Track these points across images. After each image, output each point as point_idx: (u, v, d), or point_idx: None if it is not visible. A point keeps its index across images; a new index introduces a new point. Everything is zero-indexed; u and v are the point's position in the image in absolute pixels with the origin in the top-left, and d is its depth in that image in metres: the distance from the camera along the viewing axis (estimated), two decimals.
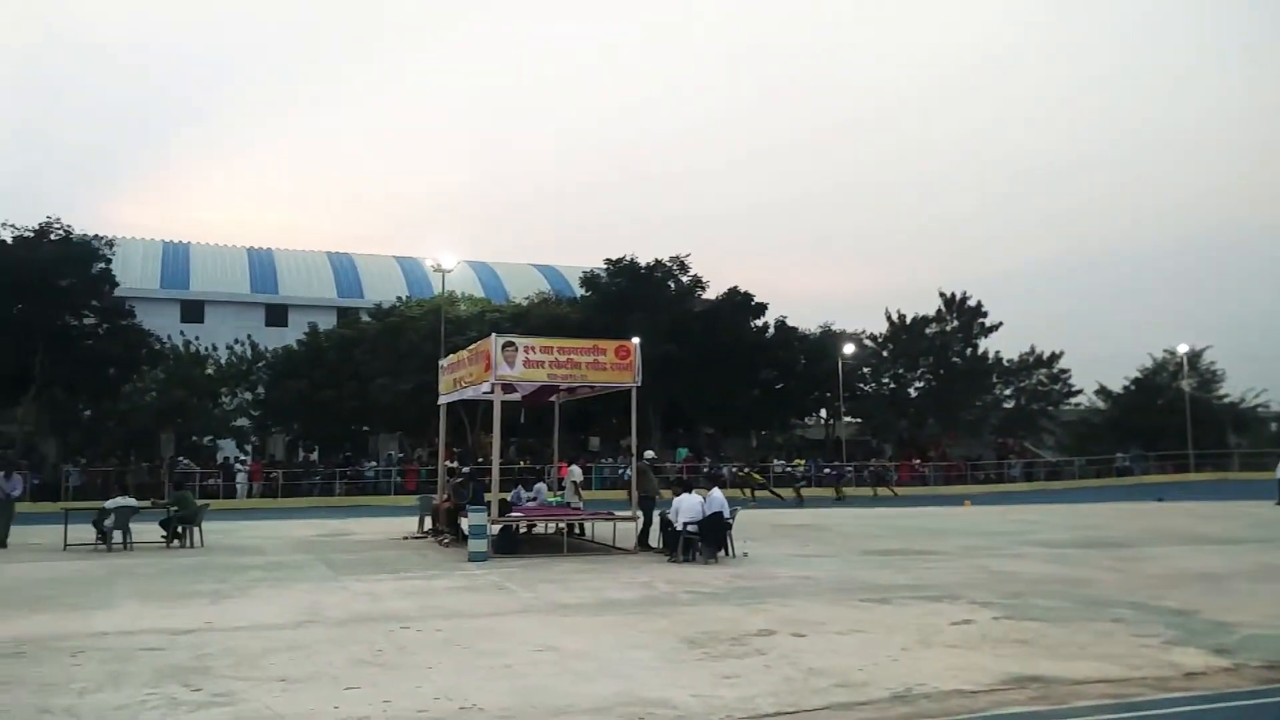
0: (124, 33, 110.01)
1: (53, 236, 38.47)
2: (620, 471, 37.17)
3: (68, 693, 7.00)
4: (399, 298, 49.44)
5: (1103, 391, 57.03)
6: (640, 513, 17.21)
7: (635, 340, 18.39)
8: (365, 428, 45.28)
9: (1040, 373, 52.54)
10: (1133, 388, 55.87)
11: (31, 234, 38.07)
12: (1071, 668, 7.76)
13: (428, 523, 20.33)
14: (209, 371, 43.79)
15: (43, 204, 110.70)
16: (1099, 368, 68.95)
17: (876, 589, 12.24)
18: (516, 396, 19.14)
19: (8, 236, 37.84)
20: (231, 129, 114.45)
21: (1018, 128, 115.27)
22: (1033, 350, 52.52)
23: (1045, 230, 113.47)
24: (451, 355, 21.38)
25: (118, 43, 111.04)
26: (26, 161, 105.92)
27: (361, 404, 41.40)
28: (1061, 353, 52.35)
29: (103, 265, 39.71)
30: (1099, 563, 15.15)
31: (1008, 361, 52.26)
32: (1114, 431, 53.59)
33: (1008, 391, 53.30)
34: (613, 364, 17.30)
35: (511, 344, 16.82)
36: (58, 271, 37.76)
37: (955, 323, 51.57)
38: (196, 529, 18.30)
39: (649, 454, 21.03)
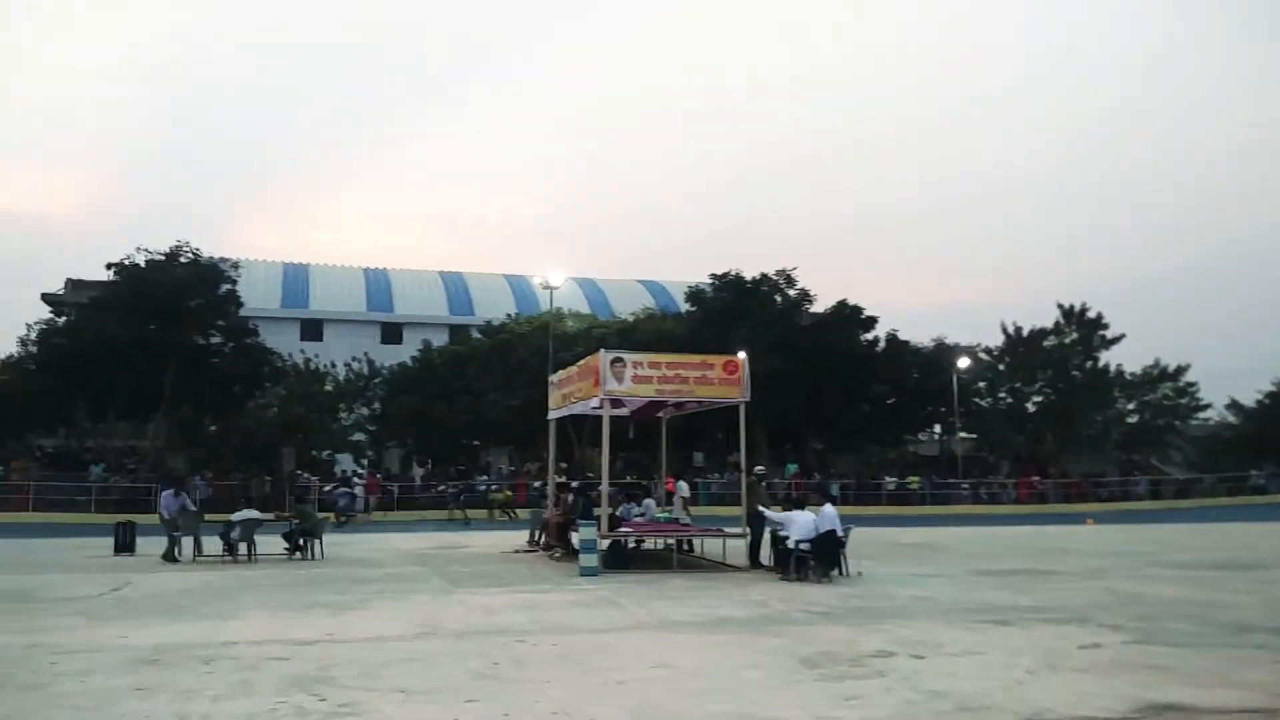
0: (246, 63, 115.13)
1: (182, 260, 40.40)
2: (715, 488, 36.85)
3: (202, 699, 7.26)
4: (508, 315, 50.32)
5: (1234, 405, 54.37)
6: (750, 529, 17.05)
7: (743, 355, 18.26)
8: (476, 442, 46.12)
9: (1165, 386, 50.28)
10: (1267, 401, 53.08)
11: (163, 258, 40.05)
12: (1212, 696, 7.35)
13: (538, 536, 20.54)
14: (328, 388, 45.30)
15: (173, 228, 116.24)
16: (1230, 380, 65.79)
17: (998, 610, 11.85)
18: (625, 412, 19.20)
19: (141, 260, 39.87)
20: (350, 153, 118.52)
21: (1134, 130, 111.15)
22: (1157, 363, 50.39)
23: (1166, 237, 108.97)
24: (560, 371, 21.60)
25: (240, 73, 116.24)
26: (158, 187, 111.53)
27: (473, 419, 42.21)
28: (1188, 365, 50.14)
29: (228, 286, 41.51)
30: (1236, 585, 14.39)
31: (1130, 375, 50.22)
32: (1247, 447, 50.94)
33: (1131, 406, 51.15)
34: (720, 379, 17.22)
35: (620, 360, 16.89)
36: (187, 293, 39.62)
37: (1074, 335, 49.81)
38: (317, 541, 18.87)
39: (759, 469, 20.81)
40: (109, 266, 39.78)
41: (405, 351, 50.64)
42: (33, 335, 40.71)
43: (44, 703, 7.23)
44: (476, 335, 48.72)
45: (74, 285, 49.12)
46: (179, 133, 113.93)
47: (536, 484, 35.63)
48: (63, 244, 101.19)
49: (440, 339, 52.03)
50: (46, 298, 49.40)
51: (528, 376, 38.61)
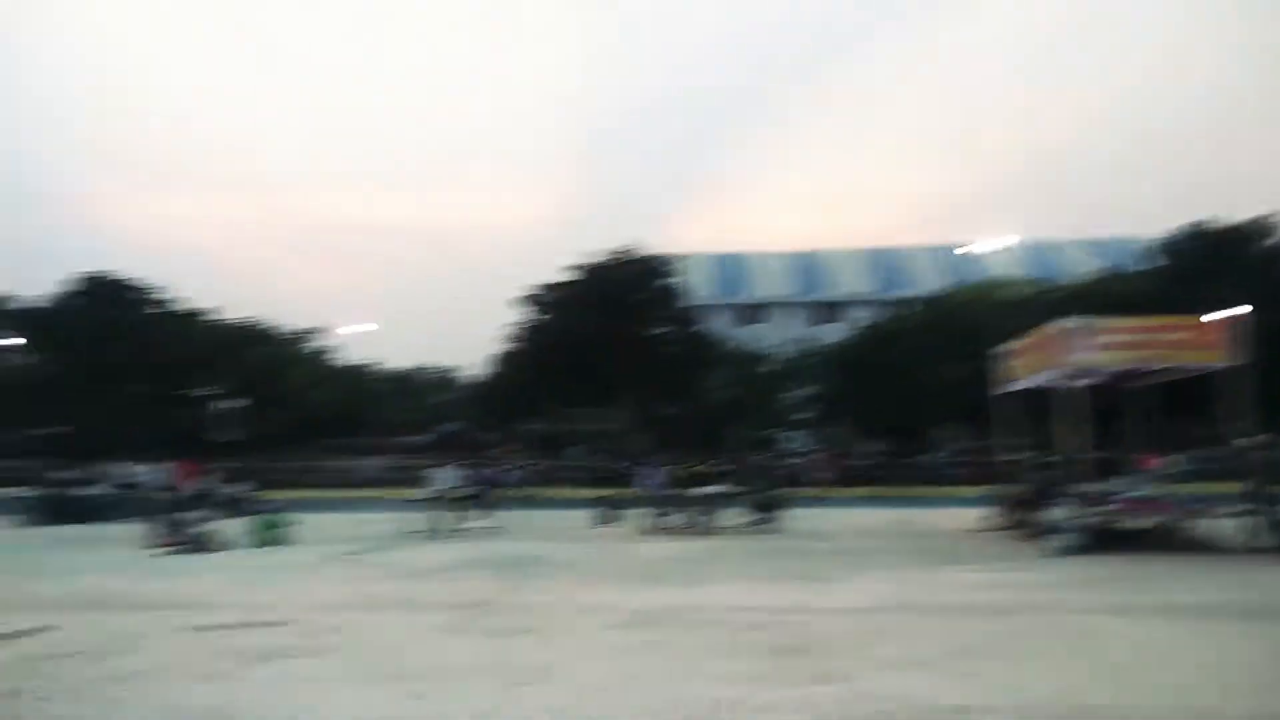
0: (668, 73, 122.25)
1: (631, 257, 44.17)
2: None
3: (697, 658, 7.87)
4: (943, 286, 48.76)
5: None
6: (1257, 507, 15.01)
7: (1237, 310, 16.15)
8: (922, 418, 45.29)
9: None
10: None
11: (615, 258, 44.06)
12: None
13: (1002, 514, 19.66)
14: (768, 370, 47.00)
15: (623, 227, 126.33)
16: None
17: None
18: (1089, 382, 17.83)
19: (597, 260, 44.09)
20: (772, 141, 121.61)
21: None
22: None
23: None
24: (1012, 341, 20.53)
25: (664, 84, 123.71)
26: (609, 191, 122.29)
27: (914, 394, 41.51)
28: None
29: (673, 280, 44.66)
30: None
31: None
32: None
33: None
34: (1201, 341, 15.55)
35: (1083, 327, 15.72)
36: (637, 288, 43.28)
37: None
38: (779, 514, 19.62)
39: (1263, 439, 18.26)
40: (574, 267, 44.48)
41: (839, 331, 51.12)
42: (515, 333, 46.54)
43: (578, 651, 8.27)
44: (910, 309, 47.82)
45: (546, 286, 55.32)
46: (625, 141, 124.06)
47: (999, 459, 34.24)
48: (539, 247, 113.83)
49: (873, 316, 51.78)
50: (525, 298, 56.16)
51: (970, 348, 37.14)
